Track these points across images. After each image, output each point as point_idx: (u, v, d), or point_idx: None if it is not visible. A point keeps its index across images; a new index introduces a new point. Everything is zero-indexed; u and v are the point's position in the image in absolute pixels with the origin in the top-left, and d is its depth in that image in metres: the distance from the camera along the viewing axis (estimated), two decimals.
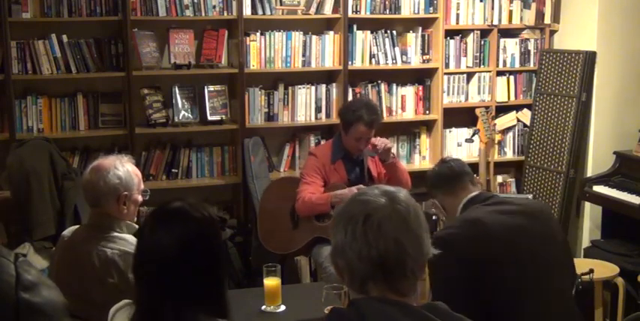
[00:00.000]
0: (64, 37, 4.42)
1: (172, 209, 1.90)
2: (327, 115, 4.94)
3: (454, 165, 2.75)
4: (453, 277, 2.37)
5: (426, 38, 5.07)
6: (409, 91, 5.10)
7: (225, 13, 4.66)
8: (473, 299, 2.31)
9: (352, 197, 1.60)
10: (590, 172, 4.93)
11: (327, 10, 4.83)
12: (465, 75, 5.16)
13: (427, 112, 5.16)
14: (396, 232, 1.51)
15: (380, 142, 3.99)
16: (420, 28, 5.06)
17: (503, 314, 2.37)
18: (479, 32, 5.15)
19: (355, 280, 1.54)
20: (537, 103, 5.09)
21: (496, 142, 5.16)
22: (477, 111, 4.94)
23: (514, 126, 5.28)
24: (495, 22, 5.17)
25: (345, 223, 1.54)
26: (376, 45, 4.98)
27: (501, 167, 5.27)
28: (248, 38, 4.69)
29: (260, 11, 4.71)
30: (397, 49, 5.02)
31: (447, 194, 2.69)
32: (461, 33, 5.15)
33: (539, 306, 2.43)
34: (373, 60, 4.98)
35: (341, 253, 1.53)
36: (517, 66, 5.26)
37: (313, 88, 4.91)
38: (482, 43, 5.17)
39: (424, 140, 5.18)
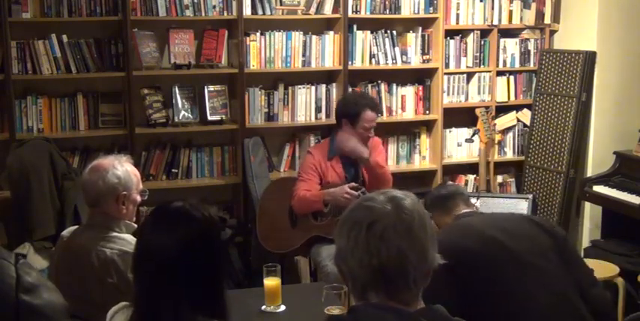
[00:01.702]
0: (64, 37, 4.42)
1: (173, 209, 1.90)
2: (327, 115, 4.94)
3: (449, 187, 2.90)
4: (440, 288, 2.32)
5: (426, 38, 5.07)
6: (409, 91, 5.10)
7: (225, 13, 4.65)
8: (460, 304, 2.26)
9: (358, 202, 1.58)
10: (590, 172, 4.93)
11: (327, 10, 4.83)
12: (465, 75, 5.16)
13: (427, 112, 5.16)
14: (399, 241, 1.49)
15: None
16: (420, 28, 5.06)
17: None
18: (479, 32, 5.15)
19: (357, 287, 1.53)
20: (537, 103, 5.09)
21: (496, 142, 5.16)
22: (477, 111, 4.94)
23: (514, 126, 5.28)
24: (495, 22, 5.17)
25: (349, 228, 1.53)
26: (376, 45, 4.98)
27: (501, 167, 5.27)
28: (248, 38, 4.69)
29: (260, 11, 4.71)
30: (397, 49, 5.02)
31: (441, 213, 2.71)
32: (461, 33, 5.15)
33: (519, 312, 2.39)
34: (373, 60, 4.98)
35: (344, 258, 1.53)
36: (517, 66, 5.26)
37: (313, 88, 4.91)
38: (483, 43, 5.17)
39: (424, 140, 5.18)
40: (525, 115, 5.23)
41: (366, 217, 1.51)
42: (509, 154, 5.34)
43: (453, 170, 5.29)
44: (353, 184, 3.90)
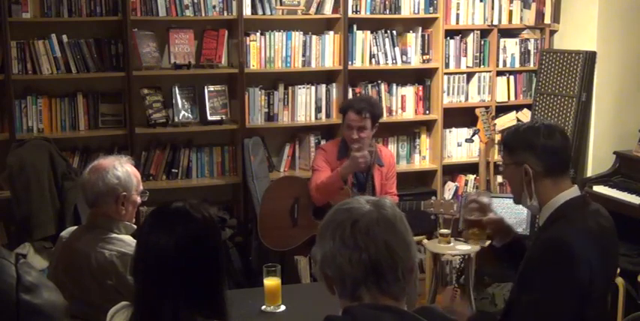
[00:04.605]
0: (64, 37, 4.42)
1: (173, 210, 1.90)
2: (327, 115, 4.94)
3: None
4: None
5: (426, 38, 5.08)
6: (409, 91, 5.10)
7: (225, 13, 4.65)
8: None
9: (336, 207, 1.60)
10: (590, 172, 4.93)
11: (327, 10, 4.83)
12: (465, 75, 5.17)
13: (427, 112, 5.16)
14: (385, 235, 1.51)
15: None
16: (420, 28, 5.06)
17: None
18: (479, 32, 5.15)
19: (347, 287, 1.52)
20: (537, 103, 5.09)
21: (496, 142, 5.16)
22: (477, 111, 4.94)
23: None
24: (495, 22, 5.17)
25: (333, 230, 1.53)
26: (376, 45, 4.98)
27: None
28: (248, 38, 4.69)
29: (260, 11, 4.71)
30: (397, 49, 5.01)
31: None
32: (461, 33, 5.15)
33: None
34: (373, 60, 4.98)
35: (331, 260, 1.52)
36: (517, 66, 5.26)
37: (313, 88, 4.90)
38: (482, 43, 5.17)
39: (424, 140, 5.19)
40: (525, 115, 5.23)
41: (349, 218, 1.53)
42: None
43: (453, 170, 5.29)
44: (354, 146, 3.99)
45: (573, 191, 2.40)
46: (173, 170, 4.70)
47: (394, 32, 5.01)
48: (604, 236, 2.38)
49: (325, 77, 4.99)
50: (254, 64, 4.74)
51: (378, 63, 5.00)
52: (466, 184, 5.25)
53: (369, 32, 4.94)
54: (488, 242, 2.64)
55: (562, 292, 2.23)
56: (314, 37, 4.84)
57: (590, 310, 2.27)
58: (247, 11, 4.66)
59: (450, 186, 5.24)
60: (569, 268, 2.22)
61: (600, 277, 2.30)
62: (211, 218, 1.93)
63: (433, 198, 4.32)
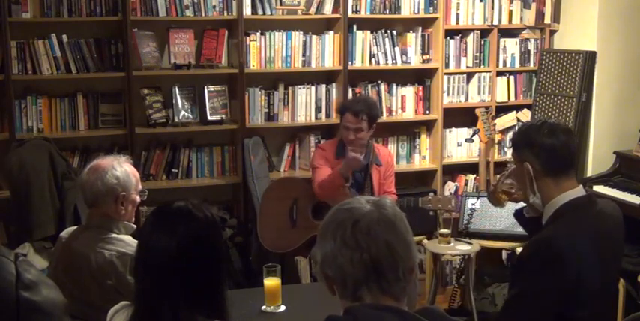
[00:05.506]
0: (64, 37, 4.42)
1: (175, 209, 1.90)
2: (327, 115, 4.94)
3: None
4: None
5: (426, 38, 5.08)
6: (409, 91, 5.10)
7: (225, 13, 4.66)
8: None
9: (337, 207, 1.60)
10: (590, 172, 4.93)
11: (327, 10, 4.83)
12: (465, 75, 5.17)
13: (427, 112, 5.16)
14: (386, 234, 1.52)
15: None
16: (420, 28, 5.06)
17: None
18: (479, 32, 5.15)
19: (348, 288, 1.52)
20: (537, 103, 5.09)
21: (496, 142, 5.16)
22: (477, 111, 4.93)
23: (514, 126, 5.28)
24: (495, 22, 5.17)
25: (334, 230, 1.53)
26: (376, 45, 4.98)
27: (501, 167, 5.26)
28: (248, 38, 4.69)
29: (260, 11, 4.71)
30: (397, 49, 5.02)
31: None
32: (461, 33, 5.15)
33: None
34: (373, 60, 4.98)
35: (332, 260, 1.52)
36: (517, 66, 5.26)
37: (313, 88, 4.91)
38: (482, 43, 5.17)
39: (424, 140, 5.19)
40: (525, 115, 5.23)
41: (349, 218, 1.53)
42: (509, 154, 5.32)
43: (453, 170, 5.29)
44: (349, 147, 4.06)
45: (577, 191, 2.39)
46: (173, 170, 4.70)
47: (394, 32, 5.01)
48: (603, 237, 2.37)
49: (325, 77, 4.99)
50: (254, 64, 4.74)
51: (378, 63, 5.00)
52: (466, 184, 5.25)
53: (369, 32, 4.94)
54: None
55: (541, 291, 2.23)
56: (314, 37, 4.84)
57: (581, 311, 2.26)
58: (247, 11, 4.66)
59: (450, 186, 5.24)
60: (553, 268, 2.22)
61: (594, 278, 2.28)
62: (213, 218, 1.93)
63: (431, 194, 4.33)
